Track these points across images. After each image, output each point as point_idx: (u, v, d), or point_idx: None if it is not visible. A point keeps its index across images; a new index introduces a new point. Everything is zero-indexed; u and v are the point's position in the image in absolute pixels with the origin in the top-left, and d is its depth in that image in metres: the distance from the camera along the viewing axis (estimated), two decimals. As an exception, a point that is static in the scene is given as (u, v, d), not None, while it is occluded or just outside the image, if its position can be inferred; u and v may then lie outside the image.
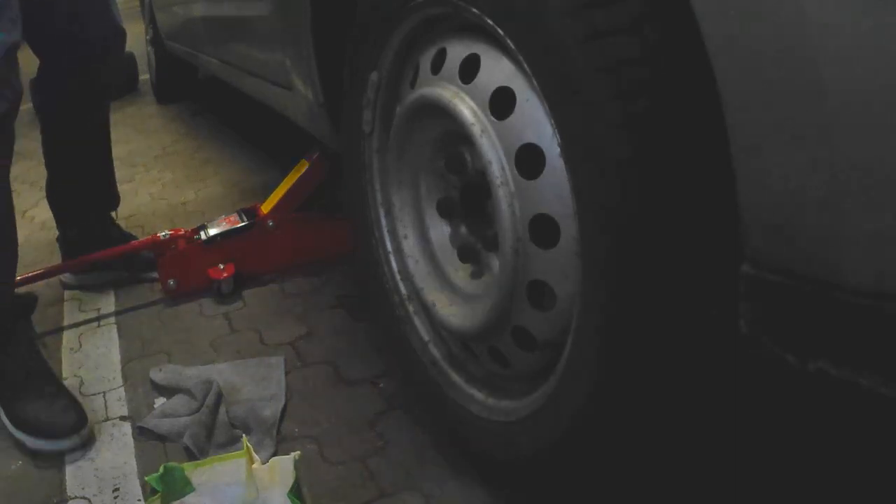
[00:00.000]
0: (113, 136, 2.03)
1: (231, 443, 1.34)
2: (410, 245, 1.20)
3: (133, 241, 1.98)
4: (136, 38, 3.22)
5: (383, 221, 1.29)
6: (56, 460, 1.38)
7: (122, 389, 1.56)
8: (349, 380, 1.49)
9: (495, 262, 1.02)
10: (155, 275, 1.95)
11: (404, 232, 1.21)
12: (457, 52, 1.00)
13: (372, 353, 1.55)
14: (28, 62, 1.65)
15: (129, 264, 2.00)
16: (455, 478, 1.20)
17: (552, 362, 0.95)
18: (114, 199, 2.07)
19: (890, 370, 0.60)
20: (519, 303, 0.95)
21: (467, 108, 0.96)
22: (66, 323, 1.87)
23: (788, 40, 0.59)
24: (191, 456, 1.32)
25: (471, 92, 0.96)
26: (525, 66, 0.85)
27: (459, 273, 1.13)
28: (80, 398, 1.54)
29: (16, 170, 2.00)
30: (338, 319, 1.71)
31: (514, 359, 1.02)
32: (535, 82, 0.84)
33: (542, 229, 0.88)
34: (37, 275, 1.90)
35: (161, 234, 1.93)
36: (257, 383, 1.49)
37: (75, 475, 1.33)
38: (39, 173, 2.07)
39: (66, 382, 1.61)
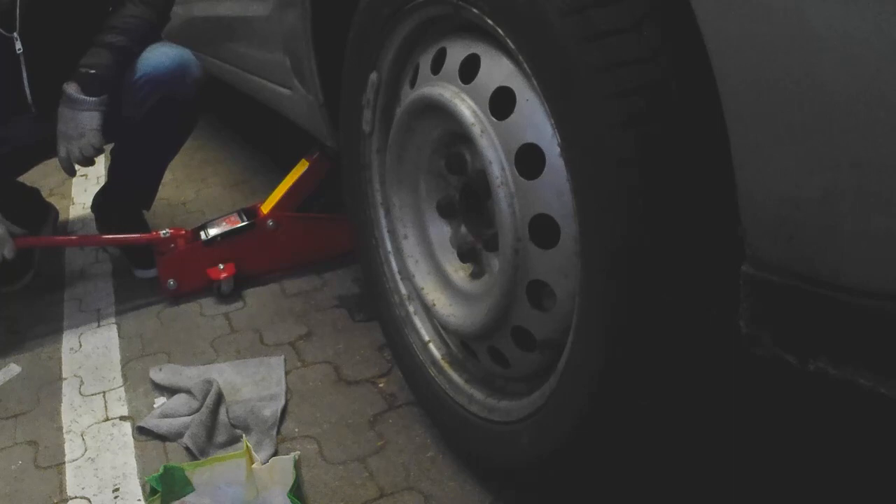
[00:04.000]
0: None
1: (231, 443, 1.34)
2: (410, 245, 1.20)
3: (133, 235, 1.99)
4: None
5: (383, 221, 1.29)
6: (56, 460, 1.38)
7: (122, 389, 1.56)
8: (349, 380, 1.49)
9: (495, 262, 1.02)
10: (153, 273, 1.95)
11: (404, 232, 1.21)
12: (457, 52, 1.00)
13: (372, 353, 1.56)
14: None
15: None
16: (455, 478, 1.20)
17: (552, 362, 0.95)
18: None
19: (890, 370, 0.60)
20: (519, 303, 0.95)
21: (467, 108, 0.96)
22: (66, 323, 1.87)
23: (788, 40, 0.59)
24: (191, 456, 1.32)
25: (471, 92, 0.96)
26: (525, 66, 0.85)
27: (459, 273, 1.13)
28: (80, 398, 1.55)
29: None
30: (338, 319, 1.71)
31: (514, 359, 1.02)
32: (535, 82, 0.84)
33: (542, 229, 0.88)
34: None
35: (162, 232, 1.93)
36: (257, 383, 1.49)
37: (75, 475, 1.33)
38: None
39: (65, 382, 1.61)
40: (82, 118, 1.73)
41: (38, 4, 1.70)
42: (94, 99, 1.72)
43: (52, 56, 1.74)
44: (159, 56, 1.83)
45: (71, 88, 1.71)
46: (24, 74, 1.75)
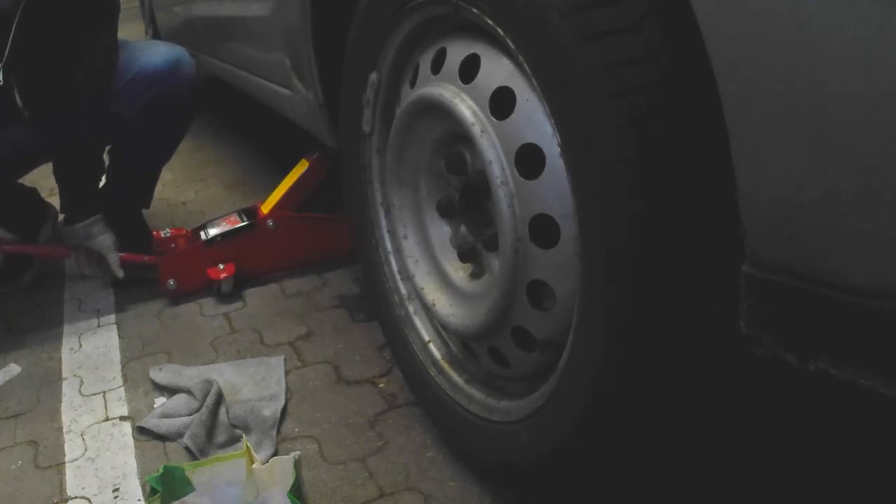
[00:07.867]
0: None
1: (231, 443, 1.34)
2: (410, 245, 1.20)
3: (136, 255, 1.98)
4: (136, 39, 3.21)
5: (383, 221, 1.29)
6: (56, 460, 1.38)
7: (122, 389, 1.56)
8: (349, 380, 1.49)
9: (495, 262, 1.02)
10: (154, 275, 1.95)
11: (404, 232, 1.21)
12: (457, 52, 1.00)
13: (372, 353, 1.56)
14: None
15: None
16: (455, 478, 1.20)
17: (552, 362, 0.95)
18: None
19: (890, 370, 0.60)
20: (519, 303, 0.95)
21: (467, 108, 0.96)
22: (66, 323, 1.87)
23: (788, 40, 0.59)
24: (191, 456, 1.32)
25: (471, 92, 0.96)
26: (525, 66, 0.85)
27: (459, 273, 1.13)
28: (80, 398, 1.55)
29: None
30: (338, 319, 1.71)
31: (514, 359, 1.02)
32: (535, 82, 0.84)
33: (542, 229, 0.88)
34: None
35: (162, 232, 1.93)
36: (257, 383, 1.49)
37: (75, 475, 1.33)
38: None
39: (65, 382, 1.61)
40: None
41: (32, 27, 1.70)
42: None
43: (41, 67, 1.73)
44: (152, 54, 1.84)
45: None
46: (14, 87, 1.75)
